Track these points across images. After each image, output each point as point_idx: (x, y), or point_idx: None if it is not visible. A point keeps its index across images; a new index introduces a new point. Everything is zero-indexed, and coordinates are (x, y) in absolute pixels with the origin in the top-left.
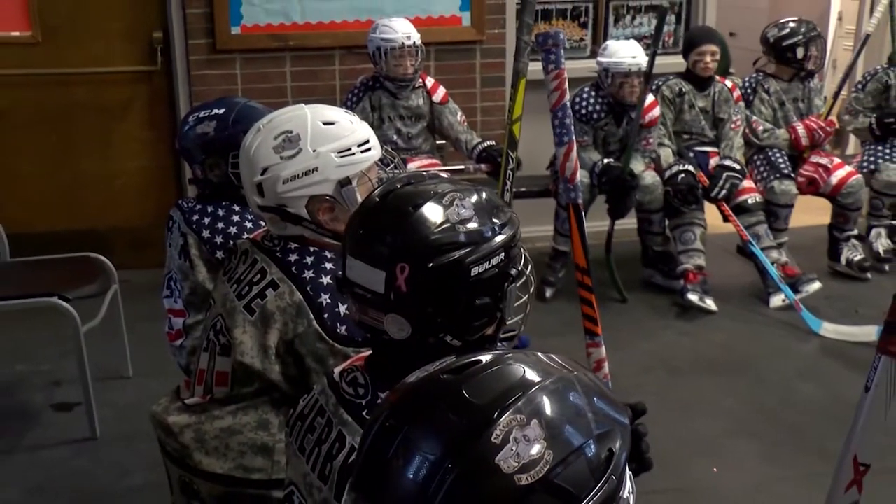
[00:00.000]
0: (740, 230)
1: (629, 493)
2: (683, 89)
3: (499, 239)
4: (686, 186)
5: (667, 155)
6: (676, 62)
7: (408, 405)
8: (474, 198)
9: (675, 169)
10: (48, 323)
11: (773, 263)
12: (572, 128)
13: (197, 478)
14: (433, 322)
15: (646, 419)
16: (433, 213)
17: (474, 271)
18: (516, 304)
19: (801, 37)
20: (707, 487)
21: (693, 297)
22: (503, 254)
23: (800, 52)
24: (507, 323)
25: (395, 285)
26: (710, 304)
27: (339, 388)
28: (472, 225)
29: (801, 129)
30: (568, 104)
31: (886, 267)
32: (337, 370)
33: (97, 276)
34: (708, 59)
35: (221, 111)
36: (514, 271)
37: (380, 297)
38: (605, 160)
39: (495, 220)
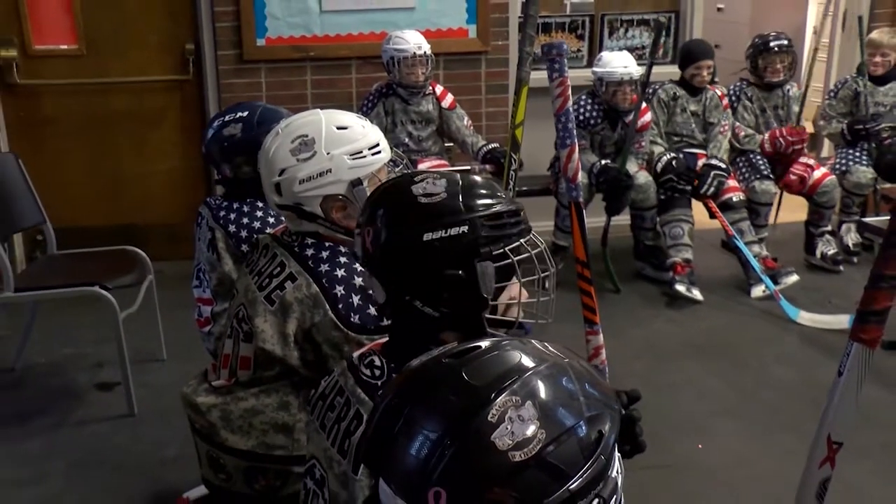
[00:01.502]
0: (725, 226)
1: (618, 472)
2: (677, 94)
3: (463, 211)
4: (683, 167)
5: (659, 152)
6: (666, 72)
7: (411, 386)
8: (455, 178)
9: (665, 159)
10: (90, 310)
11: (754, 257)
12: (574, 131)
13: (224, 453)
14: (400, 283)
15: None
16: (403, 188)
17: (427, 237)
18: (528, 299)
19: (751, 49)
20: (692, 463)
21: (681, 288)
22: (466, 226)
23: (760, 64)
24: (523, 317)
25: (364, 247)
26: (696, 294)
27: (358, 370)
28: (437, 199)
29: (767, 135)
30: (571, 109)
31: (855, 259)
32: (355, 354)
33: (134, 268)
34: (705, 73)
35: (245, 114)
36: (487, 249)
37: (362, 260)
38: (603, 161)
39: (471, 198)
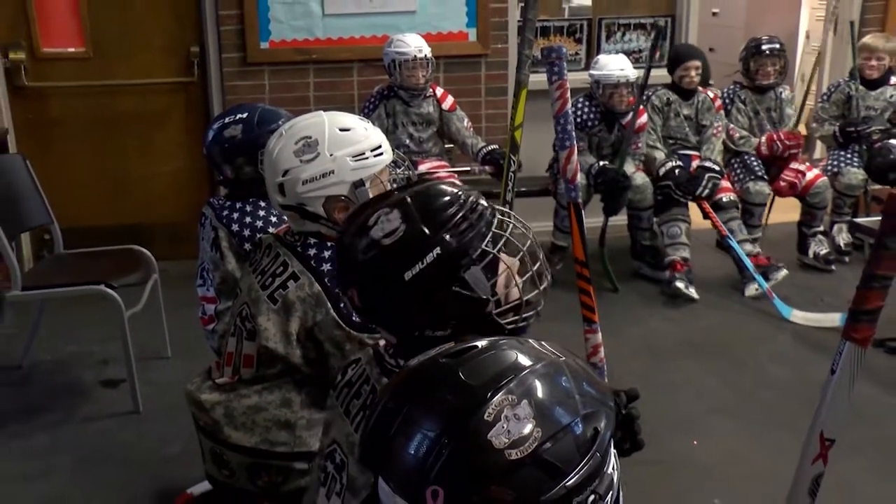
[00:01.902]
0: (719, 226)
1: (613, 469)
2: (670, 99)
3: (429, 234)
4: (684, 179)
5: (660, 157)
6: (661, 74)
7: (409, 386)
8: (404, 200)
9: (669, 165)
10: (96, 308)
11: (746, 255)
12: (573, 133)
13: (227, 450)
14: (404, 323)
15: None
16: (364, 237)
17: (408, 275)
18: (523, 279)
19: (743, 52)
20: (687, 459)
21: (680, 285)
22: (438, 247)
23: (752, 66)
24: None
25: (355, 306)
26: (692, 292)
27: (383, 359)
28: (397, 235)
29: (764, 138)
30: (570, 111)
31: (847, 259)
32: (382, 342)
33: (139, 267)
34: (693, 73)
35: (245, 115)
36: (467, 258)
37: (360, 317)
38: (601, 163)
39: (429, 215)
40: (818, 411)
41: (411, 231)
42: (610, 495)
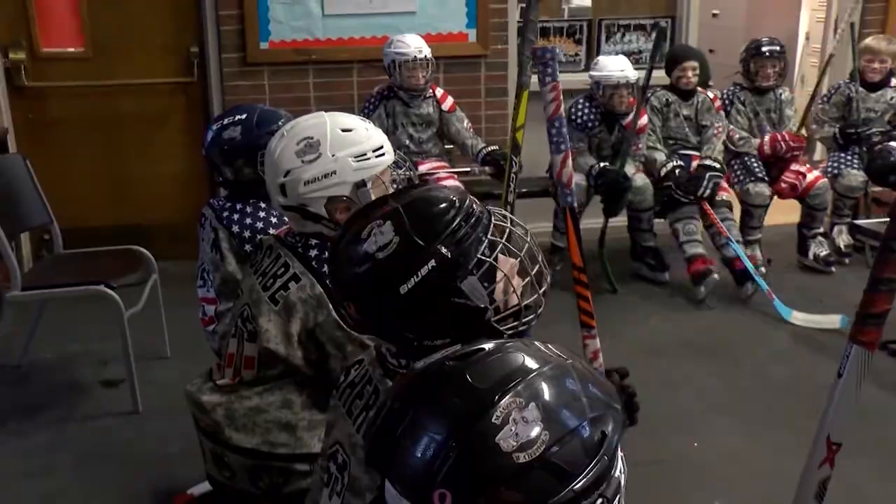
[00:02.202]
0: (720, 226)
1: (621, 472)
2: (670, 100)
3: (423, 245)
4: (684, 180)
5: (661, 158)
6: (662, 75)
7: (416, 389)
8: (396, 211)
9: (670, 166)
10: (96, 308)
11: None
12: (568, 137)
13: (228, 451)
14: (404, 335)
15: None
16: (358, 251)
17: (403, 289)
18: (523, 282)
19: (744, 53)
20: (687, 460)
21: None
22: (433, 259)
23: (752, 67)
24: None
25: (355, 319)
26: (701, 290)
27: (386, 360)
28: (392, 246)
29: (767, 137)
30: (563, 114)
31: (847, 260)
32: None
33: (139, 267)
34: (690, 73)
35: (243, 116)
36: (464, 268)
37: (359, 330)
38: (601, 164)
39: (423, 224)
40: (825, 415)
41: (405, 243)
42: (617, 499)
